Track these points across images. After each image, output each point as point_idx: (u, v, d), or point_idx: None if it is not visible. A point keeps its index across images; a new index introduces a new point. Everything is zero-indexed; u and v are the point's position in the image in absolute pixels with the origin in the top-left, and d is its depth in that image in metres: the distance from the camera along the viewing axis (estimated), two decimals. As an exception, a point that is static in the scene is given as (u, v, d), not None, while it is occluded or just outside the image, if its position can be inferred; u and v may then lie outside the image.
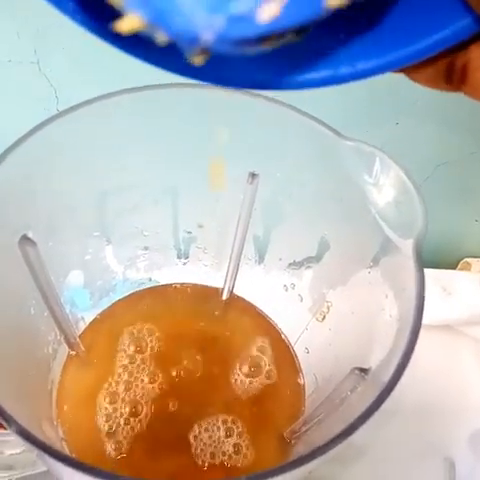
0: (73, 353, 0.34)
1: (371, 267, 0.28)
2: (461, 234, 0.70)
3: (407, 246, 0.24)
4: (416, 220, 0.24)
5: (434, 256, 0.72)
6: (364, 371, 0.26)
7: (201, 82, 0.20)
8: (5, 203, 0.26)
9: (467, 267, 0.70)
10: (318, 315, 0.34)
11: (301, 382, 0.35)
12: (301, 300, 0.35)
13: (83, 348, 0.34)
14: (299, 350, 0.36)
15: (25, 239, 0.27)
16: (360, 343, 0.29)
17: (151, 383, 0.34)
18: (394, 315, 0.25)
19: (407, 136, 0.56)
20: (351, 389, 0.27)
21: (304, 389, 0.35)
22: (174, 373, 0.35)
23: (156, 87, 0.27)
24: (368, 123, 0.54)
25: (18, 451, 0.30)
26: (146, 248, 0.36)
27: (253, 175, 0.31)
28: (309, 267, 0.34)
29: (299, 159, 0.29)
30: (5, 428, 0.40)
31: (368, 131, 0.51)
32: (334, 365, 0.31)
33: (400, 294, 0.25)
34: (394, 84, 0.50)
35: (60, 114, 0.26)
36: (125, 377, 0.34)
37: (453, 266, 0.71)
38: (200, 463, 0.32)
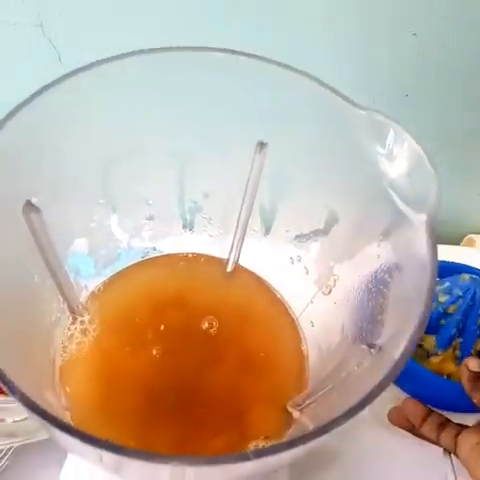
0: (76, 321, 0.34)
1: (381, 240, 0.28)
2: (465, 210, 0.70)
3: (420, 220, 0.24)
4: (429, 194, 0.24)
5: (438, 232, 0.72)
6: (372, 346, 0.26)
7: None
8: (8, 168, 0.25)
9: (471, 243, 0.70)
10: (324, 288, 0.33)
11: (305, 354, 0.35)
12: (307, 273, 0.35)
13: (86, 316, 0.34)
14: (304, 323, 0.36)
15: (29, 205, 0.26)
16: (367, 317, 0.28)
17: (155, 351, 0.34)
18: (404, 289, 0.25)
19: (414, 108, 0.55)
20: (358, 364, 0.26)
21: (308, 361, 0.35)
22: (178, 342, 0.35)
23: (162, 50, 0.27)
24: (378, 96, 0.53)
25: (20, 418, 0.29)
26: (151, 217, 0.35)
27: (262, 144, 0.30)
28: (316, 240, 0.33)
29: (310, 128, 0.28)
30: (7, 394, 0.41)
31: (375, 102, 0.50)
32: (339, 338, 0.31)
33: (412, 269, 0.24)
34: (407, 55, 0.50)
35: (64, 77, 0.25)
36: (129, 345, 0.34)
37: (457, 242, 0.71)
38: (203, 432, 0.32)
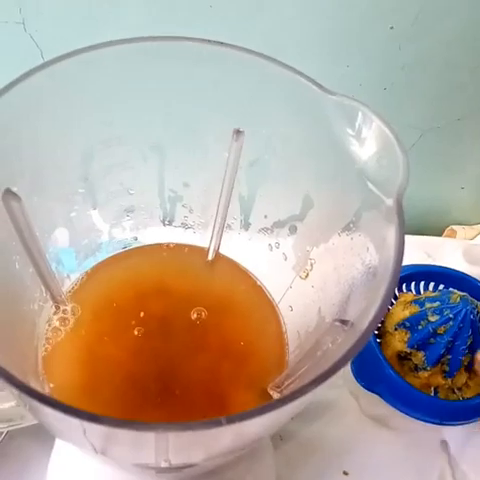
0: (59, 311, 0.35)
1: (353, 222, 0.28)
2: (447, 201, 0.71)
3: (389, 198, 0.25)
4: (398, 172, 0.25)
5: (420, 223, 0.73)
6: (344, 323, 0.26)
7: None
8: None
9: (452, 234, 0.71)
10: (302, 273, 0.34)
11: (285, 338, 0.35)
12: (285, 259, 0.36)
13: (69, 305, 0.35)
14: (283, 308, 0.36)
15: (9, 193, 0.27)
16: (341, 297, 0.29)
17: (137, 339, 0.35)
18: (374, 266, 0.26)
19: (394, 102, 0.56)
20: (332, 341, 0.27)
21: (288, 345, 0.35)
22: (160, 330, 0.36)
23: (140, 40, 0.27)
24: (357, 88, 0.54)
25: (11, 405, 0.30)
26: (132, 207, 0.36)
27: (238, 132, 0.31)
28: (293, 225, 0.34)
29: (283, 114, 0.29)
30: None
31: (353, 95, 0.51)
32: (316, 321, 0.32)
33: (381, 245, 0.25)
34: (384, 48, 0.51)
35: (44, 65, 0.26)
36: (111, 333, 0.35)
37: (439, 233, 0.72)
38: (185, 416, 0.33)
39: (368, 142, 0.26)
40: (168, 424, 0.19)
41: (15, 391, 0.19)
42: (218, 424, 0.18)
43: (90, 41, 0.28)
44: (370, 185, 0.26)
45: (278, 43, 0.48)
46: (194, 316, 0.36)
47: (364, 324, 0.23)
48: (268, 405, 0.20)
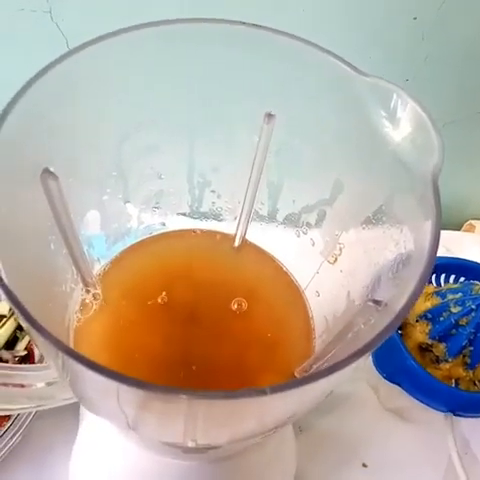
0: (89, 294, 0.35)
1: (386, 205, 0.29)
2: (466, 196, 0.71)
3: (425, 178, 0.25)
4: (433, 152, 0.25)
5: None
6: (378, 303, 0.27)
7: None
8: (27, 137, 0.26)
9: (471, 229, 0.71)
10: (330, 258, 0.34)
11: (312, 323, 0.36)
12: (313, 244, 0.36)
13: (98, 288, 0.35)
14: (310, 293, 0.36)
15: (47, 173, 0.27)
16: (372, 280, 0.29)
17: (164, 322, 0.35)
18: (409, 248, 0.26)
19: (416, 94, 0.56)
20: (365, 322, 0.27)
21: (314, 331, 0.36)
22: (186, 315, 0.36)
23: (175, 22, 0.28)
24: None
25: (46, 383, 0.31)
26: (161, 192, 0.36)
27: (270, 115, 0.31)
28: (322, 210, 0.34)
29: (316, 97, 0.29)
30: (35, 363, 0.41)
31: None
32: (346, 304, 0.32)
33: (416, 227, 0.25)
34: (407, 39, 0.51)
35: (78, 48, 0.26)
36: (139, 317, 0.35)
37: (458, 228, 0.72)
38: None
39: (402, 123, 0.26)
40: (205, 392, 0.19)
41: (62, 356, 0.19)
42: (262, 393, 0.19)
43: (115, 28, 0.28)
44: (404, 167, 0.26)
45: (301, 32, 0.48)
46: (220, 301, 0.37)
47: (399, 304, 0.23)
48: (302, 379, 0.20)
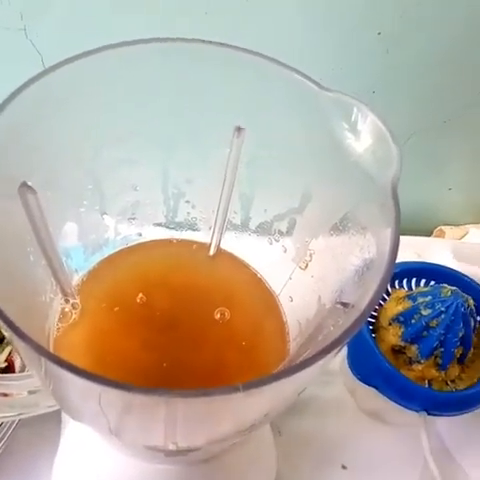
0: (68, 305, 0.36)
1: (351, 212, 0.30)
2: (435, 202, 0.73)
3: (385, 187, 0.26)
4: (392, 164, 0.26)
5: (409, 224, 0.75)
6: (345, 305, 0.28)
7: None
8: (5, 152, 0.27)
9: (441, 234, 0.73)
10: (301, 264, 0.36)
11: (286, 327, 0.37)
12: (285, 251, 0.37)
13: (77, 298, 0.36)
14: (283, 299, 0.38)
15: (25, 186, 0.28)
16: (340, 284, 0.31)
17: (144, 332, 0.36)
18: (372, 253, 0.27)
19: (382, 105, 0.58)
20: (334, 323, 0.29)
21: (289, 334, 0.37)
22: (163, 323, 0.37)
23: (144, 41, 0.29)
24: (346, 91, 0.56)
25: (28, 391, 0.31)
26: (137, 203, 0.37)
27: (239, 129, 0.33)
28: (293, 218, 0.35)
29: (282, 111, 0.31)
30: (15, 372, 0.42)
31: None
32: (317, 308, 0.33)
33: (378, 233, 0.27)
34: (372, 53, 0.53)
35: (54, 67, 0.27)
36: (118, 324, 0.36)
37: (428, 234, 0.74)
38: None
39: (363, 135, 0.28)
40: (181, 391, 0.20)
41: (44, 361, 0.20)
42: (236, 390, 0.20)
43: (90, 45, 0.30)
44: (366, 176, 0.28)
45: (268, 50, 0.50)
46: (197, 308, 0.38)
47: (363, 304, 0.24)
48: (275, 375, 0.21)
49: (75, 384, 0.21)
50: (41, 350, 0.20)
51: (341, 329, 0.26)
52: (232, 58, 0.30)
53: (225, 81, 0.31)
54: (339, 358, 0.57)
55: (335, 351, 0.23)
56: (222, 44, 0.30)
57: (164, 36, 0.30)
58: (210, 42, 0.30)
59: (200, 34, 0.30)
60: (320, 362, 0.22)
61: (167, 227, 0.39)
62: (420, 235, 0.71)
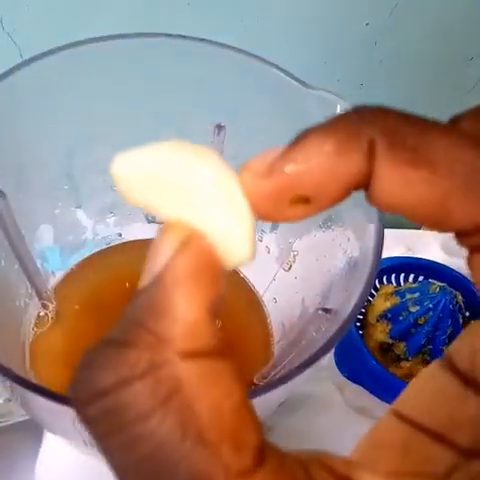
0: (45, 308, 0.35)
1: (334, 213, 0.29)
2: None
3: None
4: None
5: (398, 217, 0.74)
6: (327, 311, 0.27)
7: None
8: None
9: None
10: (285, 265, 0.35)
11: (270, 329, 0.36)
12: (268, 252, 0.36)
13: (54, 302, 0.35)
14: (267, 300, 0.37)
15: (-6, 189, 0.27)
16: (324, 287, 0.30)
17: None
18: (355, 256, 0.26)
19: (371, 98, 0.57)
20: (316, 330, 0.28)
21: (272, 337, 0.36)
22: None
23: (122, 36, 0.28)
24: (335, 84, 0.55)
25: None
26: (115, 203, 0.36)
27: (220, 127, 0.31)
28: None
29: (264, 109, 0.30)
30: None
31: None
32: (300, 311, 0.33)
33: (361, 235, 0.26)
34: (360, 44, 0.52)
35: (27, 62, 0.26)
36: (96, 329, 0.35)
37: (418, 227, 0.73)
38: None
39: (347, 134, 0.27)
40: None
41: (9, 382, 0.19)
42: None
43: (69, 39, 0.28)
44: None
45: (255, 41, 0.49)
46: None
47: (346, 312, 0.23)
48: (255, 390, 0.20)
49: (47, 407, 0.20)
50: (6, 371, 0.19)
51: (324, 335, 0.25)
52: (213, 54, 0.29)
53: (204, 78, 0.30)
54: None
55: (319, 360, 0.22)
56: (202, 40, 0.28)
57: (145, 30, 0.29)
58: (191, 38, 0.28)
59: (182, 27, 0.29)
60: (301, 375, 0.21)
61: (147, 227, 0.38)
62: (410, 228, 0.70)
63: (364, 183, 0.13)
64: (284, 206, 0.13)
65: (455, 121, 0.14)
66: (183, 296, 0.12)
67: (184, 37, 0.28)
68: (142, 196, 0.14)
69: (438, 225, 0.13)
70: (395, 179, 0.13)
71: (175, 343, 0.12)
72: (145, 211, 0.15)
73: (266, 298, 0.37)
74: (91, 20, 0.45)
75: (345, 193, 0.14)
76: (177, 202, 0.14)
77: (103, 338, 0.13)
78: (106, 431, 0.12)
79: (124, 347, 0.12)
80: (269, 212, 0.13)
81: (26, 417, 0.34)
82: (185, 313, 0.12)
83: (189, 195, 0.14)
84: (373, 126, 0.13)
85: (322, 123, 0.14)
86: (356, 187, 0.13)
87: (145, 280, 0.14)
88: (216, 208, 0.14)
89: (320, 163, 0.13)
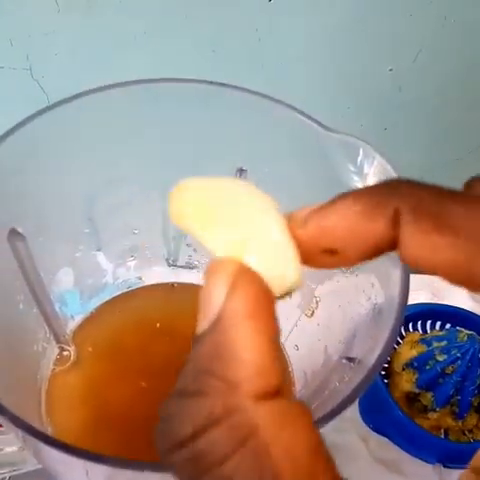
0: (63, 352, 0.34)
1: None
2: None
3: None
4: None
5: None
6: (351, 360, 0.26)
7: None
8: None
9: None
10: (307, 311, 0.34)
11: (291, 379, 0.35)
12: (290, 297, 0.35)
13: (73, 347, 0.34)
14: (289, 347, 0.36)
15: (15, 233, 0.27)
16: (347, 334, 0.29)
17: (142, 380, 0.34)
18: (379, 303, 0.26)
19: (394, 142, 0.57)
20: (339, 379, 0.27)
21: (294, 386, 0.35)
22: (165, 371, 0.35)
23: (145, 81, 0.28)
24: (358, 129, 0.55)
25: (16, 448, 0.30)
26: (136, 247, 0.36)
27: (241, 170, 0.31)
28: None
29: (286, 153, 0.30)
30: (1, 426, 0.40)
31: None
32: (323, 359, 0.32)
33: (386, 282, 0.25)
34: (384, 90, 0.52)
35: (49, 108, 0.26)
36: (115, 376, 0.34)
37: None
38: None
39: (370, 178, 0.26)
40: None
41: (20, 433, 0.19)
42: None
43: (95, 85, 0.29)
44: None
45: (280, 86, 0.49)
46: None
47: (371, 361, 0.22)
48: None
49: (59, 458, 0.19)
50: (17, 421, 0.18)
51: (348, 385, 0.24)
52: (235, 99, 0.29)
53: (226, 122, 0.30)
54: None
55: (340, 415, 0.21)
56: (222, 84, 0.29)
57: (169, 75, 0.29)
58: (210, 82, 0.29)
59: (205, 73, 0.29)
60: (323, 428, 0.20)
61: (168, 271, 0.38)
62: (435, 274, 0.68)
63: (391, 246, 0.15)
64: (316, 254, 0.15)
65: (470, 186, 0.16)
66: (245, 337, 0.13)
67: (205, 81, 0.29)
68: (194, 220, 0.15)
69: (465, 284, 0.14)
70: (421, 244, 0.14)
71: (245, 386, 0.12)
72: (191, 235, 0.16)
73: (287, 345, 0.36)
74: (118, 67, 0.46)
75: (372, 252, 0.15)
76: (227, 228, 0.15)
77: (175, 389, 0.14)
78: (190, 476, 0.13)
79: (196, 396, 0.13)
80: (302, 257, 0.15)
81: (39, 466, 0.33)
82: (250, 354, 0.13)
83: (241, 224, 0.15)
84: (399, 196, 0.14)
85: (356, 189, 0.15)
86: (384, 249, 0.15)
87: (202, 325, 0.14)
88: (266, 237, 0.15)
89: (346, 221, 0.15)
